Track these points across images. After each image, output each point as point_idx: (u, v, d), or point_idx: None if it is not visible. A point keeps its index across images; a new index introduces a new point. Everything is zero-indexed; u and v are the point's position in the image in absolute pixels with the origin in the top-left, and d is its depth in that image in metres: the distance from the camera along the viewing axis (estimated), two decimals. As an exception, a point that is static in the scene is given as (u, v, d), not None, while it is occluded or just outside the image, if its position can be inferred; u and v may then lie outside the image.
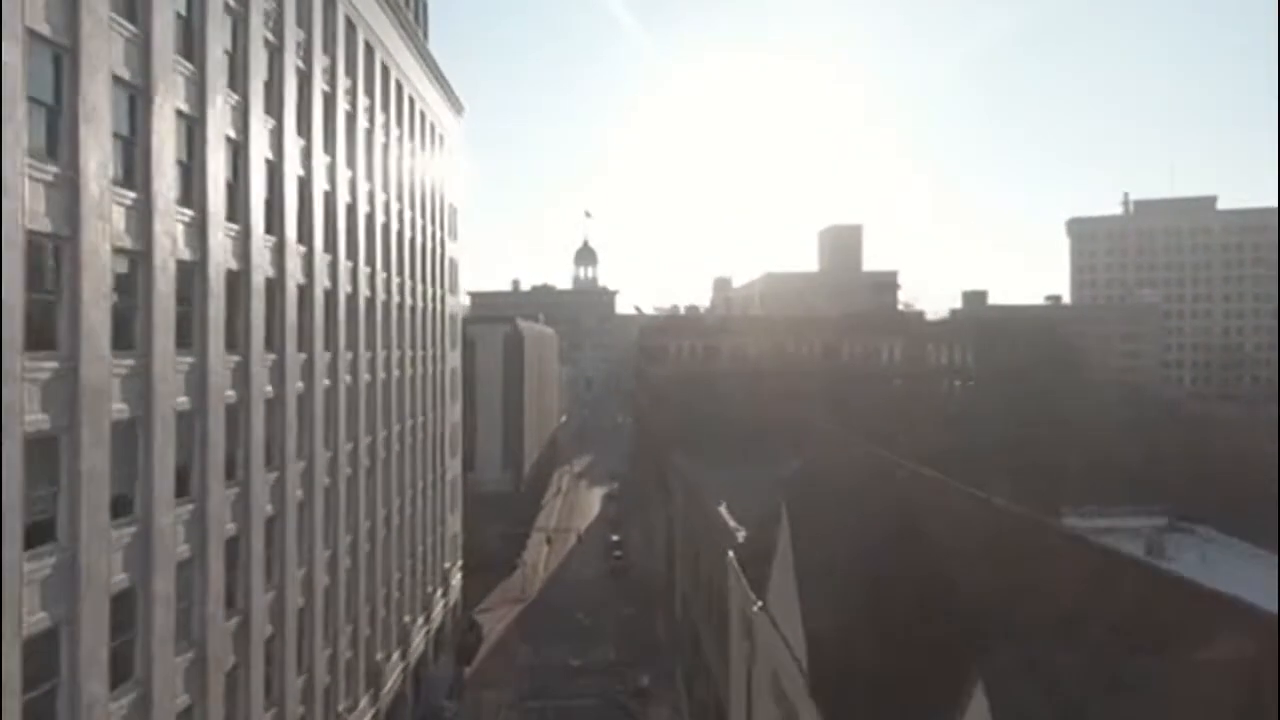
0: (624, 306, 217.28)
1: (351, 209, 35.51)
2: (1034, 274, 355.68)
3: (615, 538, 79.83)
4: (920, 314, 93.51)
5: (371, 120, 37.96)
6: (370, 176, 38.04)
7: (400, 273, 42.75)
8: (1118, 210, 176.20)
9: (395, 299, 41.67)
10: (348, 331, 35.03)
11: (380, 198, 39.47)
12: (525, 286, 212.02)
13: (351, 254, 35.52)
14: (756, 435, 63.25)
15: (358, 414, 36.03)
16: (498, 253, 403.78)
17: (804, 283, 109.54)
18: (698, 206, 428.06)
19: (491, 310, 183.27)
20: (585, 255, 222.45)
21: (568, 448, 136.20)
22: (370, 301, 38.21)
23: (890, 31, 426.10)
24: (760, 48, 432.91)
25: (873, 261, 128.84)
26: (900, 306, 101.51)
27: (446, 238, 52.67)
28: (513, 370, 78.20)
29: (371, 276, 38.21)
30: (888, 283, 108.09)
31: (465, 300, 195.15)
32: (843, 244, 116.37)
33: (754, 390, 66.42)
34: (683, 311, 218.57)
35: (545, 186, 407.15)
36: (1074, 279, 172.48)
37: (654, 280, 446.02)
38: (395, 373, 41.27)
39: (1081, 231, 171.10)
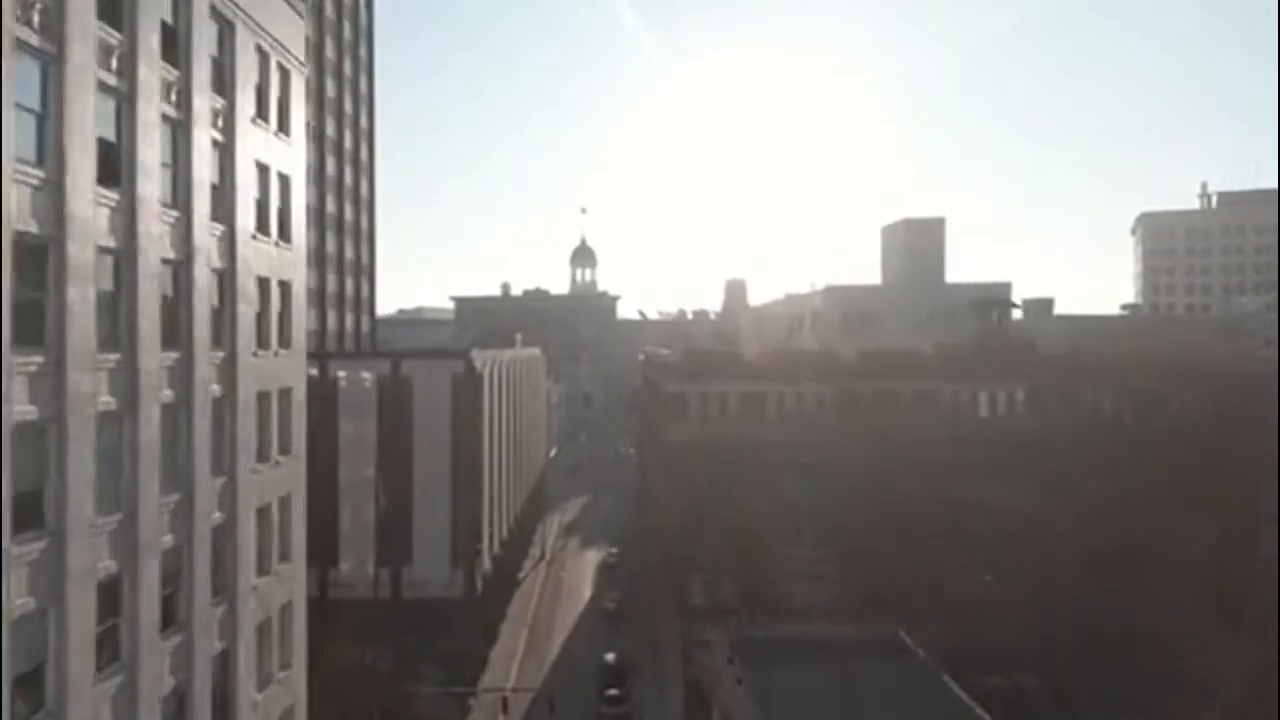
0: (627, 310, 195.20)
1: None
2: (1041, 276, 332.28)
3: (610, 658, 56.95)
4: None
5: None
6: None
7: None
8: (1192, 204, 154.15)
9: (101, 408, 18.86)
10: None
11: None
12: (517, 291, 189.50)
13: None
14: (834, 539, 41.34)
15: None
16: (494, 256, 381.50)
17: (873, 299, 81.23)
18: (703, 207, 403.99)
19: (478, 318, 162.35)
20: (583, 255, 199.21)
21: (559, 488, 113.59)
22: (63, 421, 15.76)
23: (895, 29, 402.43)
24: (763, 45, 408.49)
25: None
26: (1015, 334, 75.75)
27: (263, 247, 27.14)
28: (467, 426, 55.39)
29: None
30: (999, 300, 78.13)
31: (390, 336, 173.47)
32: (918, 244, 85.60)
33: (821, 475, 44.04)
34: (690, 316, 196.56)
35: (544, 187, 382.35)
36: (1145, 282, 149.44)
37: (658, 285, 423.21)
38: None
39: (1156, 229, 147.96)
